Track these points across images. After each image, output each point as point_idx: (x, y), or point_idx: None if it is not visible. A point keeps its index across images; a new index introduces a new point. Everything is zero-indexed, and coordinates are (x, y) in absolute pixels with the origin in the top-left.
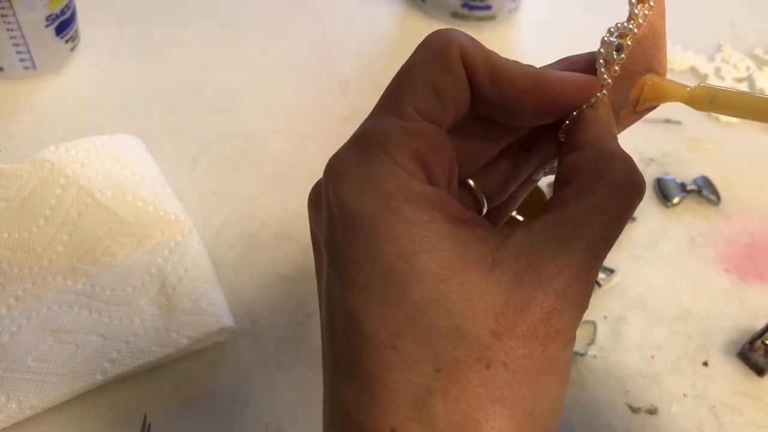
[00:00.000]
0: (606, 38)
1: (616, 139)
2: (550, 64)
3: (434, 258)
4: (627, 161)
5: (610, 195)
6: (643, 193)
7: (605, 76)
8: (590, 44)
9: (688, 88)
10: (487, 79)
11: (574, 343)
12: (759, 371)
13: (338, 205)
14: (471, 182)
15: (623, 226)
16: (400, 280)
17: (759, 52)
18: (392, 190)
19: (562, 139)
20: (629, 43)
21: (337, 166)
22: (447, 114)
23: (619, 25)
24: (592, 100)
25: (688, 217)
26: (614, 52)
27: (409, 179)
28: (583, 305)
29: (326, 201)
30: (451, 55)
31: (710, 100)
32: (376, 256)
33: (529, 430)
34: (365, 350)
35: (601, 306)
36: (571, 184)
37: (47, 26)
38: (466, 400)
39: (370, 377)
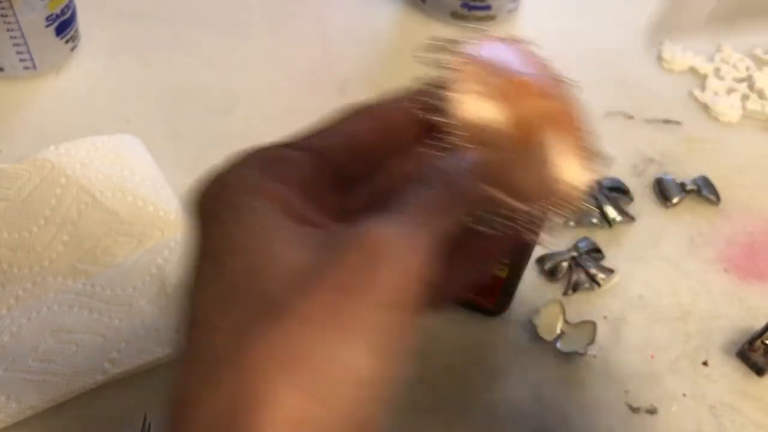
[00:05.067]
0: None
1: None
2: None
3: (247, 235)
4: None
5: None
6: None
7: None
8: (590, 44)
9: None
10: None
11: (394, 309)
12: (759, 371)
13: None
14: None
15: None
16: (218, 258)
17: (759, 52)
18: (230, 181)
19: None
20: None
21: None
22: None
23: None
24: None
25: (688, 217)
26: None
27: (250, 176)
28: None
29: None
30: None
31: None
32: (205, 239)
33: (319, 396)
34: (188, 327)
35: (600, 306)
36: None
37: (47, 26)
38: (251, 367)
39: (187, 351)
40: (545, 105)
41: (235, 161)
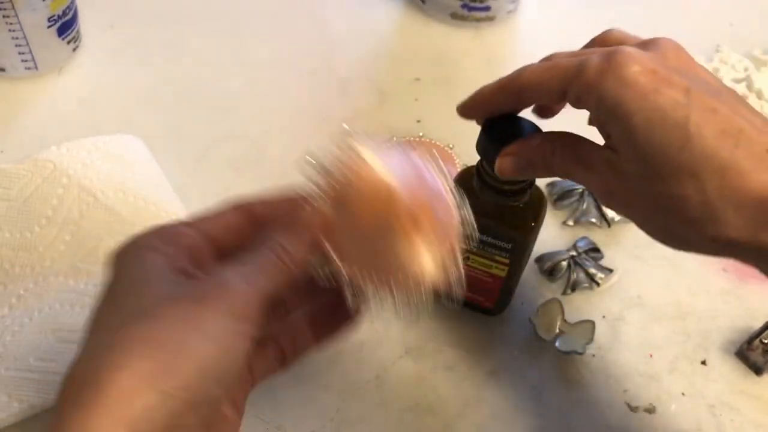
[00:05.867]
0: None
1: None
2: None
3: (135, 274)
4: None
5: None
6: None
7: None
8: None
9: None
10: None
11: (232, 318)
12: (757, 370)
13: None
14: None
15: None
16: (113, 288)
17: (757, 52)
18: (136, 241)
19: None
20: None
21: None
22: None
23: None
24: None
25: None
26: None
27: (150, 239)
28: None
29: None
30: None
31: None
32: (110, 276)
33: (167, 365)
34: (85, 333)
35: (599, 305)
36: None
37: (49, 27)
38: (118, 344)
39: (81, 349)
40: (408, 205)
41: (146, 231)
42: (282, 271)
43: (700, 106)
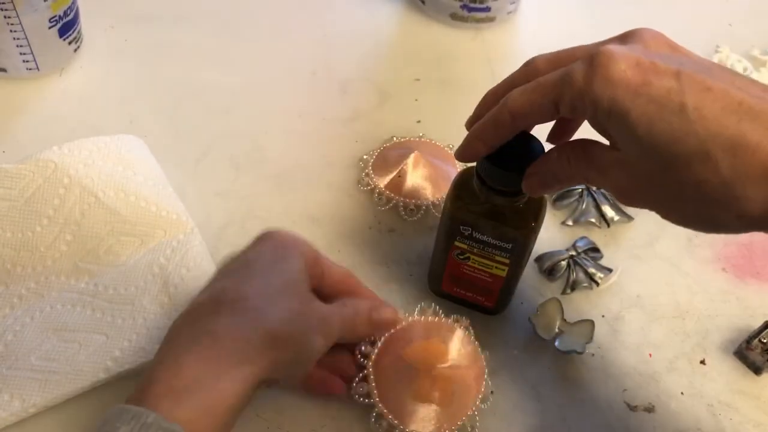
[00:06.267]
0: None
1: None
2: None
3: (289, 268)
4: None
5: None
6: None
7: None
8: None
9: None
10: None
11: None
12: (756, 370)
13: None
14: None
15: None
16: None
17: (756, 52)
18: (298, 242)
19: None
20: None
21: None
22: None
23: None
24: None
25: None
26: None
27: (308, 255)
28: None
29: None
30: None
31: None
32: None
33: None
34: None
35: (599, 305)
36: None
37: (50, 28)
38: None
39: None
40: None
41: (300, 237)
42: (348, 328)
43: (693, 87)
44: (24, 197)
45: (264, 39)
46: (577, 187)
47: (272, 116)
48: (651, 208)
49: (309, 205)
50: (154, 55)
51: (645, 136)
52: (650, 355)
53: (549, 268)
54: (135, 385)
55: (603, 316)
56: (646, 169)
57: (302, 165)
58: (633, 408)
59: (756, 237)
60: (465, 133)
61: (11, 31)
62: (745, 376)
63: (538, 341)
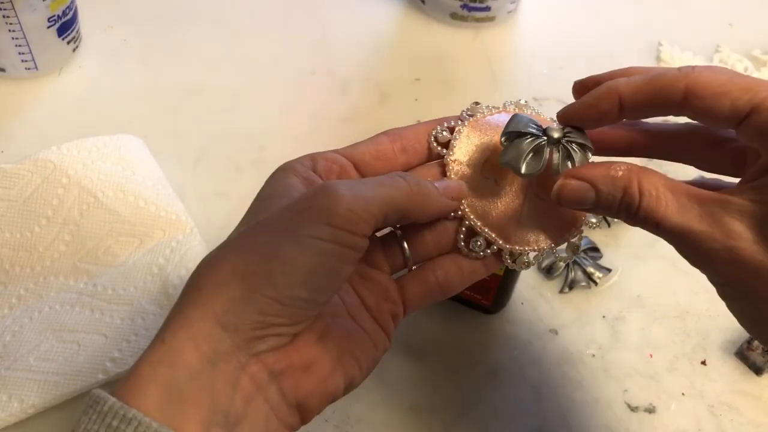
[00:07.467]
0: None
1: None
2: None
3: (272, 190)
4: None
5: None
6: None
7: None
8: (588, 45)
9: None
10: None
11: (330, 235)
12: (757, 370)
13: None
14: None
15: None
16: (257, 198)
17: (757, 52)
18: (286, 164)
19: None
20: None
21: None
22: None
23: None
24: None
25: None
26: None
27: (298, 163)
28: None
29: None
30: None
31: None
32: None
33: (263, 259)
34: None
35: (599, 305)
36: None
37: (49, 27)
38: (227, 244)
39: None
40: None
41: (298, 157)
42: (400, 189)
43: None
44: (22, 197)
45: (264, 38)
46: None
47: (272, 116)
48: None
49: None
50: (153, 55)
51: None
52: (651, 355)
53: (547, 267)
54: None
55: (603, 316)
56: None
57: None
58: (634, 409)
59: None
60: None
61: (10, 30)
62: (746, 377)
63: (539, 341)
